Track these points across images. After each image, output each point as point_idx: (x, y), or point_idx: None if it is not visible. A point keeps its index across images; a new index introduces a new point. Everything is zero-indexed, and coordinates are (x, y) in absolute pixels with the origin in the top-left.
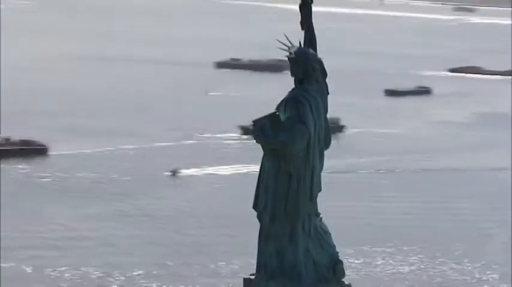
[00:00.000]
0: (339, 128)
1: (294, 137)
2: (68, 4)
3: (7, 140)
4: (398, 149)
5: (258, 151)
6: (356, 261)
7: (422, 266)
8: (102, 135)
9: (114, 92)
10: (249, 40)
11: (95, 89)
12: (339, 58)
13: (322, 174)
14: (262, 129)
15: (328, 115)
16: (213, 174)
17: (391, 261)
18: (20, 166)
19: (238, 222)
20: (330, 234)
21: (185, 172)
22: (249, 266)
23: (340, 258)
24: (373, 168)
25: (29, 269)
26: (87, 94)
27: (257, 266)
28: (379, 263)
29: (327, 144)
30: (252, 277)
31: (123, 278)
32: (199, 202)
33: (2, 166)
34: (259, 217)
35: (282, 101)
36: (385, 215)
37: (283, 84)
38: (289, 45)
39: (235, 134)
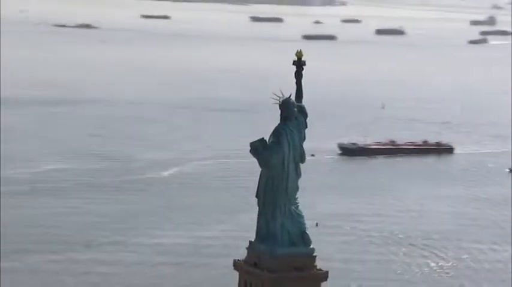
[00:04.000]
0: None
1: (272, 154)
2: None
3: (425, 142)
4: None
5: None
6: None
7: None
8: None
9: None
10: None
11: None
12: None
13: None
14: (256, 149)
15: None
16: None
17: None
18: (431, 161)
19: None
20: (302, 216)
21: None
22: None
23: (307, 231)
24: None
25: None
26: None
27: (255, 233)
28: None
29: (301, 160)
30: (253, 240)
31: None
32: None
33: (419, 159)
34: (258, 203)
35: (272, 131)
36: None
37: None
38: (280, 96)
39: None
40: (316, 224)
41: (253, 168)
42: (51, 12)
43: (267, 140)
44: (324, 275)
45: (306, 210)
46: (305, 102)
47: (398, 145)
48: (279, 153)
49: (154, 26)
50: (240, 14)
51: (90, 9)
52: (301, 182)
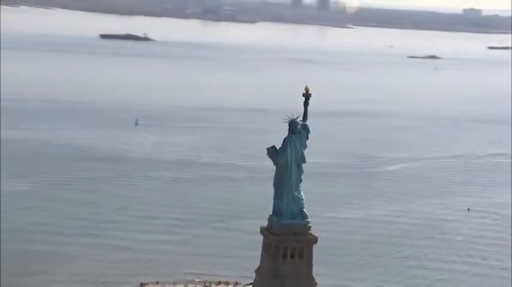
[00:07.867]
0: None
1: (279, 156)
2: None
3: None
4: None
5: None
6: None
7: None
8: None
9: None
10: None
11: None
12: None
13: None
14: (270, 153)
15: None
16: None
17: None
18: None
19: None
20: (302, 199)
21: None
22: None
23: (304, 209)
24: None
25: None
26: None
27: (272, 209)
28: None
29: (303, 161)
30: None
31: None
32: None
33: None
34: (273, 190)
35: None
36: None
37: None
38: (289, 117)
39: None
40: (468, 209)
41: (456, 166)
42: (410, 46)
43: (275, 146)
44: (314, 239)
45: (477, 198)
46: None
47: None
48: (284, 156)
49: (496, 56)
50: None
51: (437, 42)
52: (493, 177)
